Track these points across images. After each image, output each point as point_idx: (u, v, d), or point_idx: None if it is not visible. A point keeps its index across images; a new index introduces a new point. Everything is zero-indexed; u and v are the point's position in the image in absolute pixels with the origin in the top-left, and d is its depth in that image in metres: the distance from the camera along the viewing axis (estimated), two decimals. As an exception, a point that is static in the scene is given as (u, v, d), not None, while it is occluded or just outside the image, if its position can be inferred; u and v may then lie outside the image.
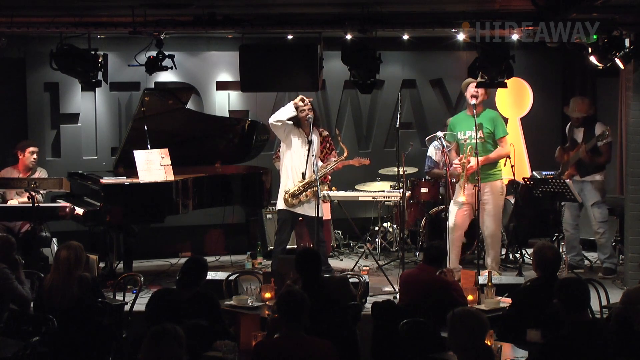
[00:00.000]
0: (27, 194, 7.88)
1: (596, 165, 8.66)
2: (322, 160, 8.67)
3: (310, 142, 8.19)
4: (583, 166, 8.68)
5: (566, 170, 8.80)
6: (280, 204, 8.38)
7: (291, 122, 8.25)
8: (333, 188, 9.11)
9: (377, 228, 9.92)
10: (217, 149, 9.30)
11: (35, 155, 8.76)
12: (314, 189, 8.07)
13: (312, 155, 8.12)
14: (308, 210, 8.28)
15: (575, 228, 8.96)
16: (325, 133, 9.12)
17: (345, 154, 8.58)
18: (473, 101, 8.10)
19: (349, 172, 9.47)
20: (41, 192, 8.22)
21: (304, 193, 8.24)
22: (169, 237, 9.83)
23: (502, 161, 8.46)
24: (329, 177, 9.15)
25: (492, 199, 8.22)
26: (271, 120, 8.33)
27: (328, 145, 9.00)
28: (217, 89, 10.25)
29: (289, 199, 8.23)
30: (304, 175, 8.23)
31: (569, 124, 9.04)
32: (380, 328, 5.84)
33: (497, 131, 8.25)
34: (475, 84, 7.96)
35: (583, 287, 4.72)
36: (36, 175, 8.68)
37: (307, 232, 8.71)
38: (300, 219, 8.50)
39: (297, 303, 4.64)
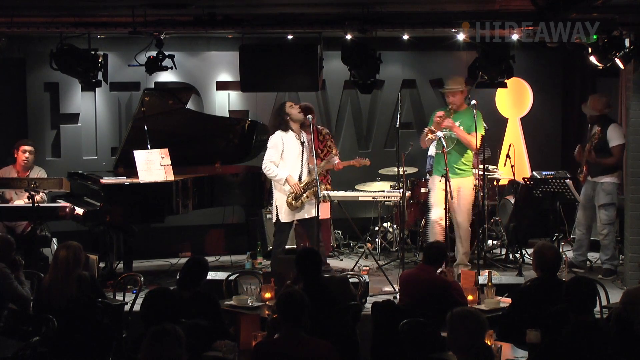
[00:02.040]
0: (27, 194, 7.86)
1: (605, 167, 8.61)
2: (322, 159, 8.67)
3: (303, 143, 8.16)
4: (592, 166, 8.67)
5: (584, 171, 8.77)
6: (281, 216, 8.26)
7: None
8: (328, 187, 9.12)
9: (377, 228, 9.92)
10: (217, 149, 9.30)
11: (27, 154, 8.68)
12: (314, 189, 8.07)
13: (313, 155, 8.08)
14: (308, 212, 8.24)
15: (587, 229, 8.92)
16: (326, 131, 9.12)
17: (333, 152, 8.56)
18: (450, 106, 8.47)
19: (349, 172, 9.45)
20: (42, 192, 8.20)
21: (305, 194, 8.21)
22: (169, 237, 9.82)
23: (471, 160, 8.53)
24: (329, 177, 9.14)
25: (465, 194, 8.37)
26: (268, 174, 8.26)
27: (328, 143, 9.00)
28: (217, 89, 10.24)
29: (293, 202, 8.17)
30: (300, 178, 8.20)
31: (589, 126, 9.01)
32: (380, 328, 5.84)
33: (475, 127, 8.35)
34: (451, 92, 8.41)
35: (592, 288, 4.73)
36: (35, 175, 8.66)
37: (305, 233, 8.70)
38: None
39: (297, 303, 4.64)
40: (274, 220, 8.43)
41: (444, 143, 8.22)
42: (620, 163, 8.71)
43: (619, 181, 8.71)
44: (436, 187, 8.42)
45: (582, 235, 8.93)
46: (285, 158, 8.19)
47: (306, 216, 8.27)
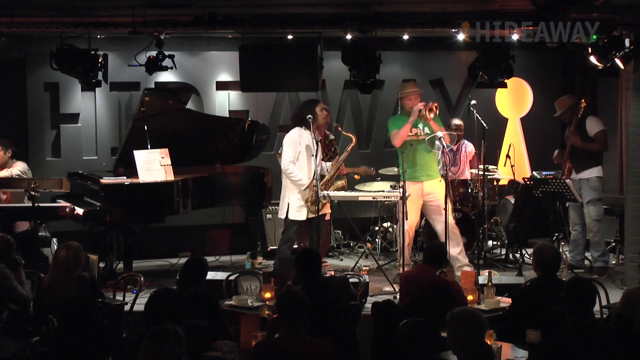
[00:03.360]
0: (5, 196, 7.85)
1: (590, 159, 8.64)
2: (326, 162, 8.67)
3: (318, 142, 8.11)
4: (578, 157, 8.66)
5: (565, 168, 8.78)
6: (292, 214, 8.20)
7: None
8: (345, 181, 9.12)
9: (377, 228, 9.92)
10: (217, 149, 9.30)
11: None
12: (324, 186, 8.06)
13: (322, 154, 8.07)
14: (322, 210, 8.22)
15: (582, 227, 8.92)
16: (332, 137, 9.11)
17: (354, 141, 8.51)
18: (431, 115, 8.13)
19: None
20: (34, 190, 8.12)
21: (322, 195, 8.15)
22: (169, 237, 9.82)
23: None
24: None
25: (442, 196, 8.19)
26: (291, 177, 8.19)
27: (333, 149, 8.99)
28: (217, 89, 10.25)
29: (311, 207, 8.13)
30: (319, 177, 8.16)
31: (567, 128, 9.04)
32: (380, 328, 5.84)
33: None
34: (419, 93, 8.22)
35: (590, 288, 4.74)
36: (9, 171, 8.54)
37: (307, 232, 8.68)
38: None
39: (297, 303, 4.64)
40: (282, 217, 8.37)
41: (444, 143, 8.20)
42: (602, 153, 8.76)
43: (602, 175, 8.73)
44: (413, 194, 8.21)
45: (578, 234, 8.94)
46: (301, 156, 8.19)
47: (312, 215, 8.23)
